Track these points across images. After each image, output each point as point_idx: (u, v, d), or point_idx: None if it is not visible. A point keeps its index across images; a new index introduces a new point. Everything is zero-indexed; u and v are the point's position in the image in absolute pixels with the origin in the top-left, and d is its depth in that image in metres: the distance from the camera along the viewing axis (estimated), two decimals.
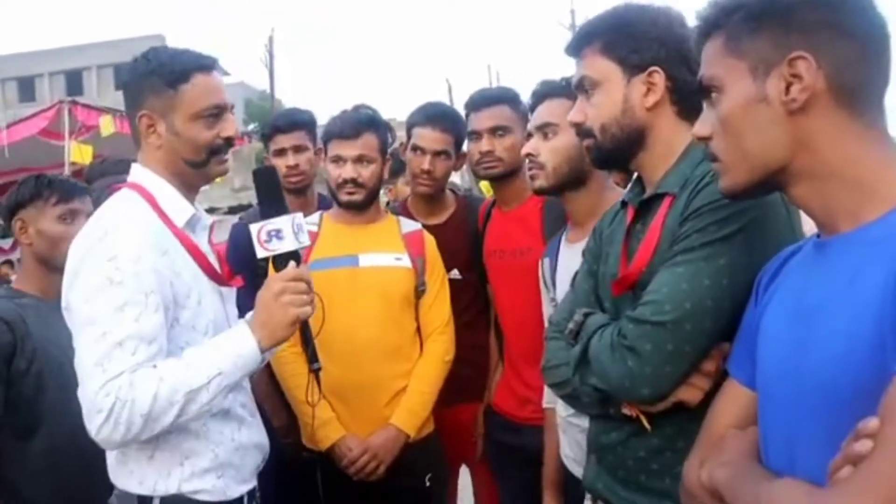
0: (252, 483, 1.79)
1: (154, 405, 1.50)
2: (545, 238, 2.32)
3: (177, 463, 1.64)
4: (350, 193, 2.42)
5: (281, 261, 1.79)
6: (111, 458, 1.68)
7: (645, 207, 1.47)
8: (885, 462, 0.79)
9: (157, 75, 1.67)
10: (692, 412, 1.32)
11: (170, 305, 1.59)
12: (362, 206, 2.45)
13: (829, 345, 0.93)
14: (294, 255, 1.80)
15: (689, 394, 1.31)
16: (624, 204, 1.57)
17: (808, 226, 1.28)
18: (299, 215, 1.82)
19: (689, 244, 1.30)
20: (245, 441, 1.76)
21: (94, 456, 1.68)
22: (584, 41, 1.51)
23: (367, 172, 2.41)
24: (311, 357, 1.78)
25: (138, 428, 1.50)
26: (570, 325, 1.45)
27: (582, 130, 1.53)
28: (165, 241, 1.63)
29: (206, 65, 1.71)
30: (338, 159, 2.42)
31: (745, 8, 1.05)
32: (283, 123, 2.86)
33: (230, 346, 1.61)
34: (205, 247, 1.76)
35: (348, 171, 2.40)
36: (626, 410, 1.38)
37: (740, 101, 1.05)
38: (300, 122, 2.86)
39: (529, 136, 2.11)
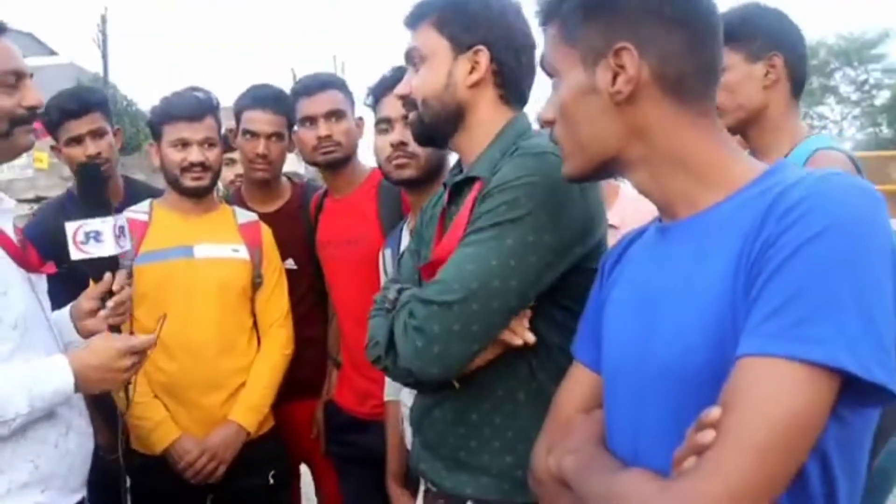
0: (81, 493, 1.65)
1: None
2: (382, 224, 2.29)
3: None
4: (198, 178, 2.29)
5: (96, 266, 1.67)
6: None
7: (458, 190, 1.47)
8: (727, 452, 0.79)
9: None
10: (508, 388, 1.37)
11: None
12: (208, 191, 2.35)
13: (671, 331, 0.94)
14: (112, 262, 1.68)
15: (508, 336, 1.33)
16: (445, 186, 1.56)
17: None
18: (123, 217, 1.71)
19: (480, 224, 1.31)
20: (73, 447, 1.60)
21: None
22: (420, 14, 1.50)
23: (212, 156, 2.31)
24: None
25: None
26: (386, 304, 1.43)
27: (407, 102, 1.52)
28: None
29: None
30: (182, 142, 2.28)
31: None
32: (74, 107, 2.46)
33: (49, 386, 1.49)
34: (10, 231, 1.60)
35: (195, 154, 2.28)
36: None
37: (574, 89, 1.04)
38: (93, 103, 2.51)
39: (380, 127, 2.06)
